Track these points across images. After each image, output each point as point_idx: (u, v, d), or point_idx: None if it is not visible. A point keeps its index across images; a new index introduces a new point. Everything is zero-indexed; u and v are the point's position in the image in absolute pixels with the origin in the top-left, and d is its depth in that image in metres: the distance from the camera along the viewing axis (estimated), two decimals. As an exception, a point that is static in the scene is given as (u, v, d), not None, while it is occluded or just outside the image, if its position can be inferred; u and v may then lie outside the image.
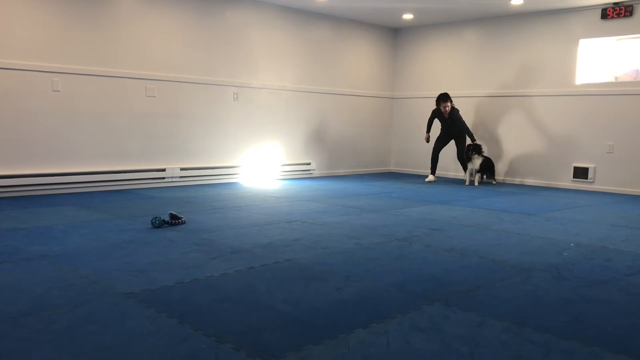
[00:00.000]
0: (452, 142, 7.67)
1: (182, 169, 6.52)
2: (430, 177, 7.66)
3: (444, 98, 7.37)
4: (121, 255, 3.21)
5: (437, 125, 7.77)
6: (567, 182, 7.23)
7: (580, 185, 7.12)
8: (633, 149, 6.67)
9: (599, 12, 6.82)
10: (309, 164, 7.90)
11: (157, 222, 3.99)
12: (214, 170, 6.84)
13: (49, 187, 5.56)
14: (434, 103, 7.56)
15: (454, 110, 7.41)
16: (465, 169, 7.50)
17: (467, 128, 7.38)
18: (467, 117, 7.95)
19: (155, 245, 3.47)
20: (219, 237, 3.74)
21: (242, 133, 7.13)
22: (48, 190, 5.57)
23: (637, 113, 6.61)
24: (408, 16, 7.92)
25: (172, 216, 4.12)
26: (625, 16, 6.60)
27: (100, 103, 5.88)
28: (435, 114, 7.59)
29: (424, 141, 7.97)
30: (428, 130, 7.69)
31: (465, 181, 7.48)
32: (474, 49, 8.04)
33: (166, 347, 1.94)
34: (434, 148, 7.72)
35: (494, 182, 7.53)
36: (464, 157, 7.45)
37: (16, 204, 4.94)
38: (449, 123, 7.49)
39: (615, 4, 6.66)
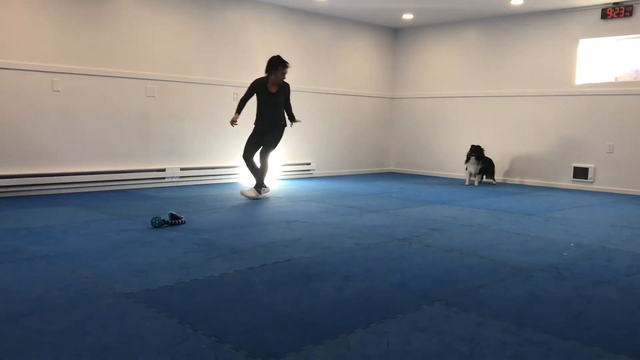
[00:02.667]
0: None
1: (182, 169, 6.52)
2: (251, 191, 5.52)
3: (283, 62, 5.43)
4: (121, 255, 3.21)
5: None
6: (567, 182, 7.23)
7: (580, 185, 7.12)
8: (633, 149, 6.67)
9: (599, 12, 6.82)
10: (309, 164, 7.90)
11: (157, 222, 3.99)
12: (214, 170, 6.84)
13: (49, 187, 5.56)
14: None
15: (286, 86, 5.63)
16: (255, 170, 5.67)
17: (291, 108, 5.74)
18: (467, 116, 7.94)
19: (155, 245, 3.47)
20: (219, 237, 3.74)
21: (242, 133, 7.11)
22: (48, 190, 5.56)
23: (637, 113, 6.61)
24: (408, 16, 7.92)
25: (172, 216, 4.12)
26: (625, 16, 6.60)
27: (100, 103, 5.88)
28: (256, 88, 5.53)
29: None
30: (239, 111, 5.53)
31: (465, 181, 7.48)
32: (474, 49, 8.03)
33: (166, 347, 1.94)
34: (244, 152, 5.67)
35: (494, 182, 7.53)
36: (265, 156, 5.60)
37: (16, 204, 4.94)
38: (273, 102, 5.55)
39: (615, 4, 6.66)
